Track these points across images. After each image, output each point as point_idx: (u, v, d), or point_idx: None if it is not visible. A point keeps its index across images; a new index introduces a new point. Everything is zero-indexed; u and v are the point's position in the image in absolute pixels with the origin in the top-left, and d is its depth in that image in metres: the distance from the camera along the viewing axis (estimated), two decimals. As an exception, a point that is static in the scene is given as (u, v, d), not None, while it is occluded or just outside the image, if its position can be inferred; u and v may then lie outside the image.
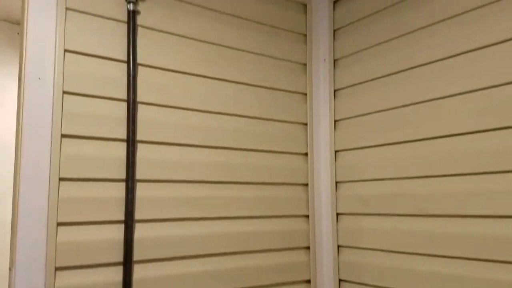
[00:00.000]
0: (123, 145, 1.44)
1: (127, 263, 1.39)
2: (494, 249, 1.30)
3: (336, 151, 1.87)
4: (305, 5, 1.95)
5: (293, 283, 1.79)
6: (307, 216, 1.87)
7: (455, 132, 1.43)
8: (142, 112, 1.48)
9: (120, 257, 1.40)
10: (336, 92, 1.89)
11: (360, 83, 1.77)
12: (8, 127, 2.67)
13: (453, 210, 1.42)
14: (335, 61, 1.90)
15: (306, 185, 1.88)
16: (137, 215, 1.44)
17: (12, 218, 1.31)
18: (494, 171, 1.32)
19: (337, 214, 1.84)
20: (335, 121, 1.88)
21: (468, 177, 1.39)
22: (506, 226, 1.29)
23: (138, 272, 1.43)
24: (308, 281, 1.83)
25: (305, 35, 1.94)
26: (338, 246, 1.82)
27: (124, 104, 1.45)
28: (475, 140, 1.38)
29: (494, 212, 1.31)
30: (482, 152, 1.35)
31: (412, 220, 1.54)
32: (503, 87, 1.32)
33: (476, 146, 1.37)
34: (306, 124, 1.91)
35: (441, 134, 1.47)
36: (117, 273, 1.39)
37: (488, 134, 1.34)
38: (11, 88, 2.68)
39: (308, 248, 1.85)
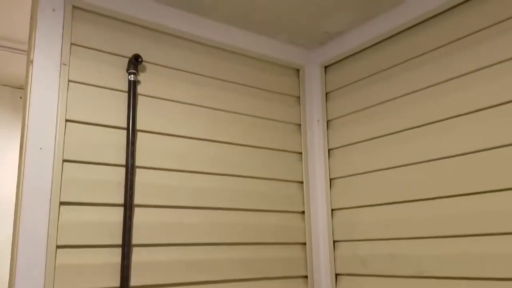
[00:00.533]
0: (120, 210, 1.45)
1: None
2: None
3: (332, 210, 1.88)
4: (298, 70, 2.04)
5: None
6: (306, 277, 1.85)
7: (448, 194, 1.45)
8: (140, 176, 1.51)
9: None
10: (330, 151, 1.93)
11: (353, 143, 1.82)
12: (8, 188, 2.69)
13: (449, 271, 1.41)
14: (328, 121, 1.95)
15: (304, 244, 1.88)
16: (133, 282, 1.43)
17: (8, 283, 1.30)
18: (490, 233, 1.33)
19: (336, 275, 1.82)
20: (330, 179, 1.91)
21: (464, 238, 1.39)
22: (504, 289, 1.28)
23: None
24: None
25: (299, 98, 2.01)
26: (338, 308, 1.79)
27: (123, 169, 1.48)
28: (470, 202, 1.39)
29: (492, 275, 1.31)
30: (477, 214, 1.37)
31: (410, 282, 1.53)
32: (496, 150, 1.35)
33: (471, 208, 1.39)
34: (302, 183, 1.93)
35: (434, 195, 1.49)
36: None
37: (483, 195, 1.36)
38: (12, 149, 2.72)
39: (307, 310, 1.82)
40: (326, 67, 2.00)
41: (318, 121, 1.98)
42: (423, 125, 1.56)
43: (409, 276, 1.53)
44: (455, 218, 1.42)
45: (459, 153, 1.44)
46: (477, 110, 1.41)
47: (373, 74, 1.77)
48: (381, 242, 1.65)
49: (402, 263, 1.56)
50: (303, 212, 1.90)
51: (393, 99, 1.68)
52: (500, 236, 1.31)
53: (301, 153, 1.96)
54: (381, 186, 1.68)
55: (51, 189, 1.34)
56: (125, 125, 1.51)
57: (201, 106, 1.70)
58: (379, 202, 1.68)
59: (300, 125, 1.98)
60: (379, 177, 1.69)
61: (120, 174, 1.47)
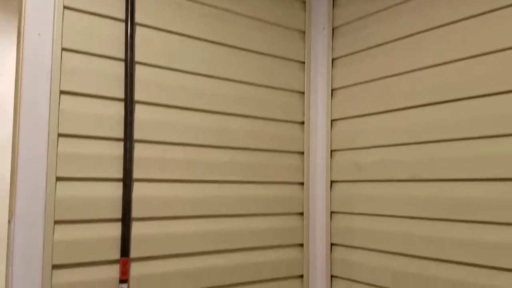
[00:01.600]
0: (121, 105, 1.45)
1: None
2: (485, 211, 1.34)
3: (332, 120, 1.89)
4: (305, -29, 1.94)
5: (287, 246, 1.83)
6: (302, 184, 1.90)
7: (448, 99, 1.45)
8: (140, 73, 1.49)
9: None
10: (334, 61, 1.90)
11: (358, 51, 1.78)
12: (7, 92, 2.68)
13: (443, 174, 1.45)
14: (333, 29, 1.90)
15: (302, 153, 1.91)
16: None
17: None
18: (485, 135, 1.35)
19: (331, 182, 1.87)
20: (332, 90, 1.89)
21: (459, 142, 1.41)
22: (497, 190, 1.32)
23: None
24: (301, 245, 1.88)
25: (305, 2, 1.93)
26: (331, 213, 1.86)
27: (122, 64, 1.46)
28: (468, 106, 1.40)
29: (485, 176, 1.34)
30: (474, 118, 1.38)
31: (404, 185, 1.57)
32: (504, 52, 1.32)
33: (470, 112, 1.39)
34: (303, 93, 1.92)
35: (435, 100, 1.49)
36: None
37: (482, 100, 1.36)
38: (10, 52, 2.68)
39: (302, 214, 1.89)
40: (335, -31, 1.90)
41: (323, 28, 1.92)
42: (431, 28, 1.51)
43: (404, 180, 1.57)
44: (449, 121, 1.43)
45: (463, 57, 1.41)
46: (488, 11, 1.36)
47: (384, -24, 1.69)
48: (378, 149, 1.67)
49: (397, 168, 1.59)
50: (302, 123, 1.91)
51: (403, 2, 1.61)
52: (495, 138, 1.33)
53: (303, 62, 1.93)
54: (381, 94, 1.67)
55: (51, 77, 1.33)
56: (123, 17, 1.46)
57: (202, 3, 1.64)
58: (378, 111, 1.68)
59: (304, 32, 1.93)
60: (380, 85, 1.67)
61: (119, 68, 1.45)
